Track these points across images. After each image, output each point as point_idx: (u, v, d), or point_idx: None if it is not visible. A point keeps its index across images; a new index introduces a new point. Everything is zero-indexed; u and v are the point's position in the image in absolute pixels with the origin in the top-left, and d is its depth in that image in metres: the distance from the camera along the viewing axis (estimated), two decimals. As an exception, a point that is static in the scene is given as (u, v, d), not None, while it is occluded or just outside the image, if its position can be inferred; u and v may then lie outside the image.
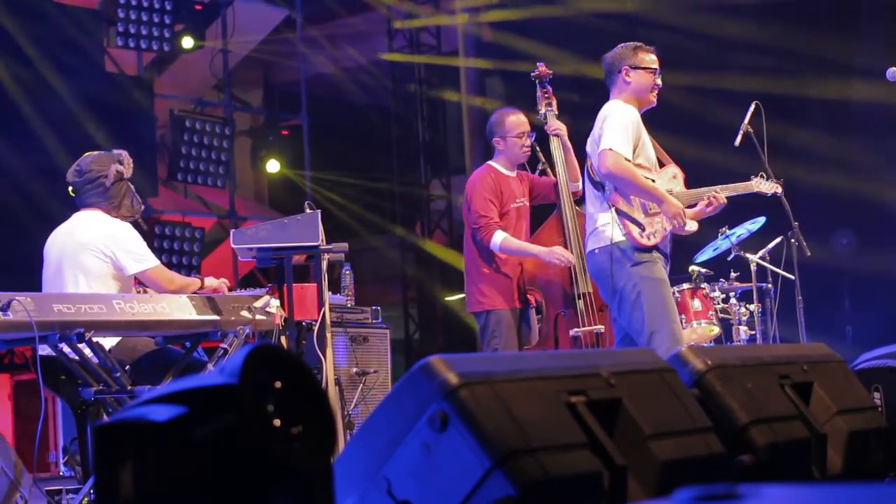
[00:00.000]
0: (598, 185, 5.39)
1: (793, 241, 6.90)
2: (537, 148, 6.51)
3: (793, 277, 7.16)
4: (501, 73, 11.96)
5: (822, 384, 3.38)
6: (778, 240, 7.26)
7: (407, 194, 12.90)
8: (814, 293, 7.48)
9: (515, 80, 10.81)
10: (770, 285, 7.45)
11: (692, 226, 5.42)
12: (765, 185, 5.75)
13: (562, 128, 6.24)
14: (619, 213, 5.29)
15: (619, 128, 5.27)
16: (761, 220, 6.97)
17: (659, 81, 5.48)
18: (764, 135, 5.72)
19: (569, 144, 6.24)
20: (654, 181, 5.35)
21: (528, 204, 6.28)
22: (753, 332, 7.31)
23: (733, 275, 7.48)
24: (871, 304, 9.35)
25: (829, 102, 9.70)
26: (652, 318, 5.21)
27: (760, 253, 7.41)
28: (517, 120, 6.26)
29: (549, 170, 6.49)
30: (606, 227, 5.32)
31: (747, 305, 7.35)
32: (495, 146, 6.27)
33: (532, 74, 6.36)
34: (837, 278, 9.55)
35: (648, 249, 5.28)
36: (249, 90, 14.22)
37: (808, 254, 6.78)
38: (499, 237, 6.01)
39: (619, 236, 5.27)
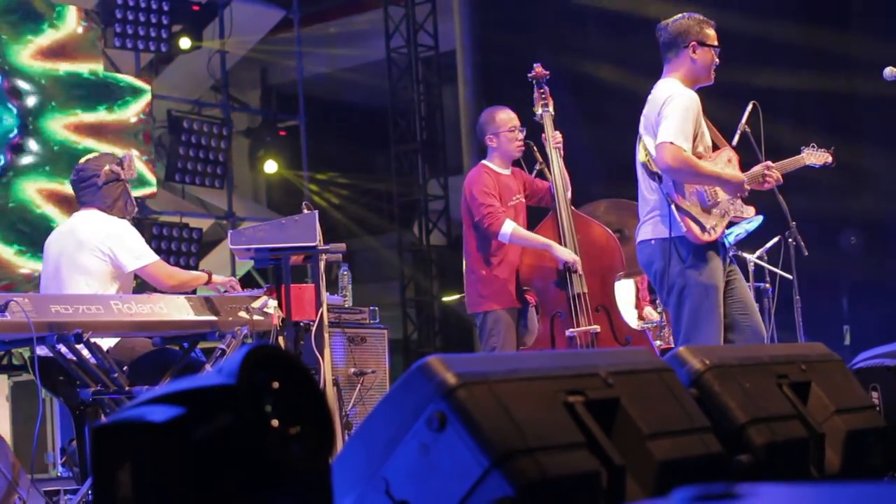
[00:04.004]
0: (654, 175, 5.22)
1: (791, 240, 6.90)
2: (535, 148, 6.51)
3: (791, 277, 7.16)
4: (499, 72, 11.96)
5: (820, 383, 3.38)
6: (776, 239, 7.26)
7: (405, 194, 12.90)
8: (812, 293, 7.48)
9: (512, 81, 10.82)
10: (768, 285, 7.45)
11: (750, 213, 5.33)
12: (815, 156, 5.65)
13: (560, 139, 6.25)
14: (680, 210, 5.12)
15: (680, 118, 5.09)
16: (759, 219, 6.98)
17: (717, 60, 5.31)
18: (761, 135, 5.71)
19: (562, 151, 6.26)
20: None
21: (524, 201, 6.29)
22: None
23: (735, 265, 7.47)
24: (868, 303, 9.36)
25: (829, 102, 9.72)
26: (690, 325, 5.11)
27: (758, 253, 7.41)
28: (507, 116, 6.27)
29: (546, 170, 6.49)
30: (665, 218, 5.16)
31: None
32: (488, 144, 6.27)
33: (529, 75, 6.37)
34: (835, 278, 9.56)
35: (707, 247, 5.15)
36: (247, 91, 14.23)
37: (806, 253, 6.77)
38: (508, 227, 6.00)
39: (678, 231, 5.12)
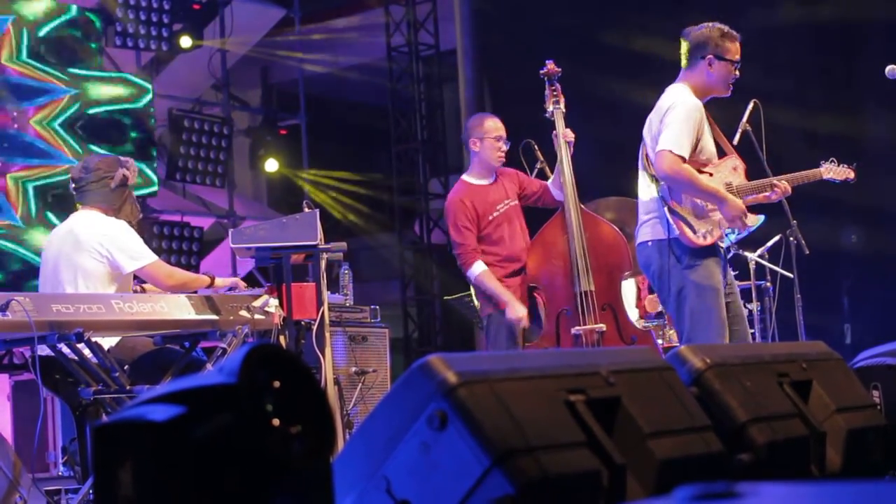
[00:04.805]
0: (653, 178, 5.24)
1: (791, 239, 6.89)
2: (535, 147, 6.50)
3: (792, 276, 7.16)
4: (500, 71, 11.96)
5: (821, 382, 3.38)
6: (777, 238, 7.26)
7: (405, 193, 12.90)
8: (812, 291, 7.47)
9: (513, 79, 10.80)
10: (769, 284, 7.45)
11: (754, 221, 5.31)
12: (835, 171, 5.59)
13: (572, 137, 6.23)
14: (673, 213, 5.15)
15: (681, 125, 5.10)
16: (760, 218, 6.97)
17: (737, 73, 5.30)
18: (762, 133, 5.71)
19: (572, 148, 6.24)
20: (711, 175, 5.21)
21: (515, 203, 6.26)
22: (752, 331, 7.30)
23: (732, 273, 7.46)
24: (869, 302, 9.35)
25: (830, 101, 9.71)
26: (692, 327, 5.12)
27: (759, 251, 7.41)
28: (494, 124, 6.27)
29: (546, 169, 6.49)
30: (661, 220, 5.19)
31: (746, 304, 7.33)
32: (471, 148, 6.28)
33: (541, 72, 6.33)
34: (836, 277, 9.55)
35: (704, 249, 5.16)
36: (248, 90, 14.23)
37: (808, 252, 6.77)
38: (477, 269, 6.04)
39: (675, 232, 5.15)
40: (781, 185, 5.38)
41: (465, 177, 6.31)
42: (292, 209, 6.57)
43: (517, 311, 5.98)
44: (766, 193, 5.40)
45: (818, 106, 9.57)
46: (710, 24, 5.35)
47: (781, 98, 7.87)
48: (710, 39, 5.28)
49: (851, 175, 5.66)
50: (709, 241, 5.17)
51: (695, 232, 5.15)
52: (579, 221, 6.11)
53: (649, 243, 5.26)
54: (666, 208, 5.16)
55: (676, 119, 5.12)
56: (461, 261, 6.09)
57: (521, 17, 11.42)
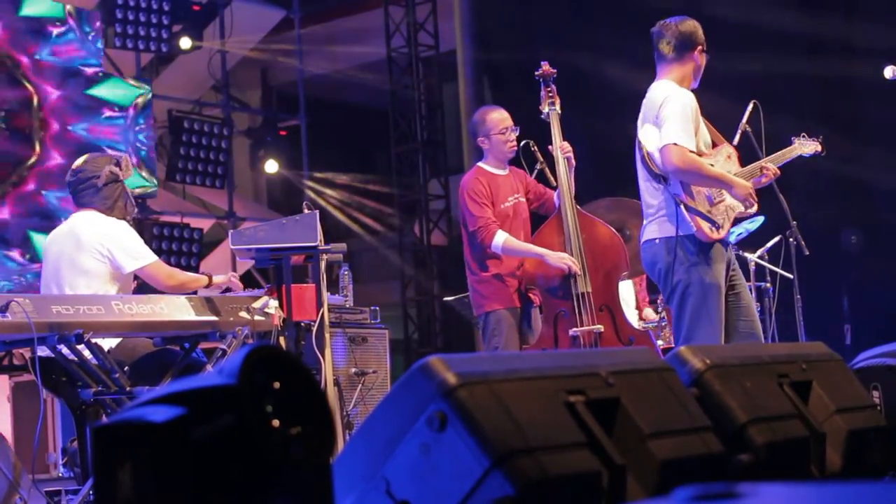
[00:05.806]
0: (658, 177, 5.23)
1: (791, 240, 6.90)
2: (535, 148, 6.50)
3: (791, 277, 7.16)
4: (499, 72, 11.97)
5: (821, 383, 3.38)
6: (776, 239, 7.26)
7: (405, 194, 12.91)
8: (812, 292, 7.48)
9: (514, 79, 10.82)
10: (769, 284, 7.45)
11: (753, 208, 5.33)
12: (807, 146, 5.71)
13: (570, 150, 6.22)
14: (689, 209, 5.13)
15: (680, 118, 5.11)
16: (760, 219, 6.97)
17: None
18: (762, 134, 5.72)
19: (573, 162, 6.23)
20: (712, 165, 5.22)
21: (523, 200, 6.27)
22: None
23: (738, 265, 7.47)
24: (869, 302, 9.35)
25: (829, 101, 9.71)
26: (691, 325, 5.11)
27: (759, 252, 7.41)
28: (499, 116, 6.26)
29: (546, 170, 6.48)
30: (671, 217, 5.17)
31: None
32: (481, 146, 6.28)
33: (536, 73, 6.34)
34: (836, 277, 9.55)
35: (713, 245, 5.15)
36: (247, 91, 14.25)
37: (807, 253, 6.77)
38: (500, 237, 6.00)
39: (685, 230, 5.13)
40: (771, 168, 5.42)
41: (480, 164, 6.31)
42: (292, 210, 6.57)
43: (558, 259, 5.98)
44: (758, 177, 5.41)
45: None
46: (684, 16, 5.38)
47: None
48: (697, 31, 5.33)
49: (819, 148, 5.76)
50: (722, 234, 5.18)
51: (712, 226, 5.15)
52: (576, 222, 6.10)
53: (657, 241, 5.24)
54: (682, 206, 5.14)
55: (674, 111, 5.12)
56: (482, 235, 6.03)
57: (521, 17, 11.42)
